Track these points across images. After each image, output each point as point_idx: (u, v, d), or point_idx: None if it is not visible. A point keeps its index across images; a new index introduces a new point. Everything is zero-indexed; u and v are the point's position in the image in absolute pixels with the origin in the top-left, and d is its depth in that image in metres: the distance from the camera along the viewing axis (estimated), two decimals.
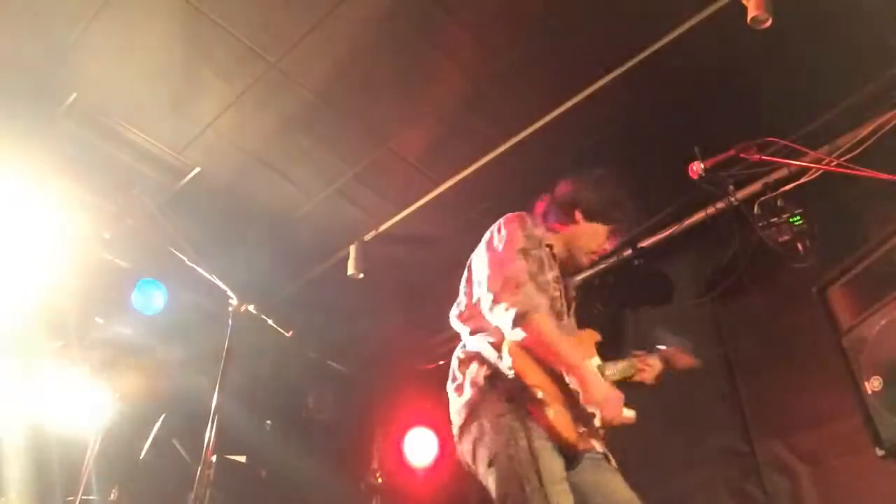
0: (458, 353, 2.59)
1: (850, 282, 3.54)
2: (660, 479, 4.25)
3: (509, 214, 2.68)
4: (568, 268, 2.82)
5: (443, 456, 5.49)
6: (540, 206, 2.88)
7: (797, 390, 3.99)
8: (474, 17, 3.62)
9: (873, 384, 3.20)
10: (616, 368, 2.78)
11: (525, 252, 2.53)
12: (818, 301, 3.63)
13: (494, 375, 2.36)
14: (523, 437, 2.20)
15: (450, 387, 2.54)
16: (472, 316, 2.58)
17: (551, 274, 2.63)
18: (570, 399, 2.36)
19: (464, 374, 2.47)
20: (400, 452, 5.52)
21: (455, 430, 2.46)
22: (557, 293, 2.63)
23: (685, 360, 3.16)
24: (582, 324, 2.86)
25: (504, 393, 2.31)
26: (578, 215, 2.79)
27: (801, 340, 3.98)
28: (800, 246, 3.72)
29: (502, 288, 2.41)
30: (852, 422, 3.38)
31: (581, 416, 2.34)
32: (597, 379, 2.40)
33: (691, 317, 4.53)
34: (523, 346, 2.34)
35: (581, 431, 2.30)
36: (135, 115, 4.13)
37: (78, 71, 3.83)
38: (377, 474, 5.09)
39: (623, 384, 2.71)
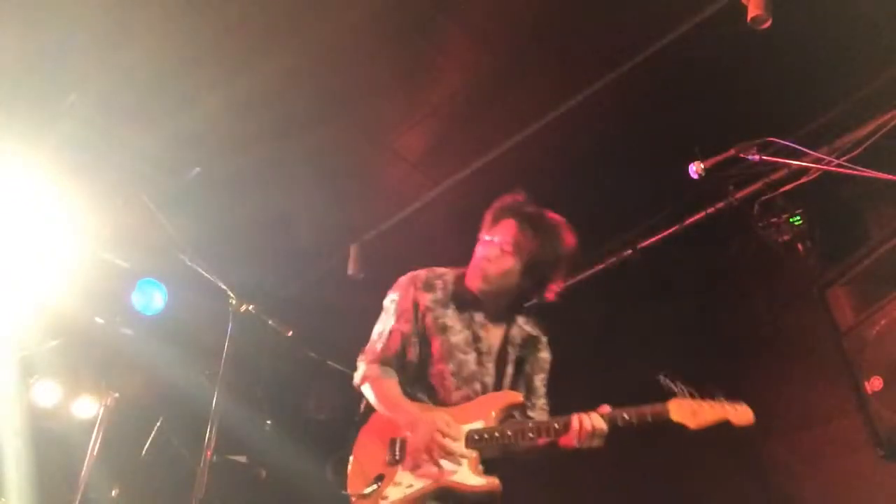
0: None
1: (850, 282, 3.54)
2: (660, 480, 4.26)
3: (399, 280, 2.73)
4: (499, 312, 2.64)
5: None
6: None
7: (797, 390, 4.00)
8: (474, 17, 3.62)
9: (873, 384, 3.21)
10: (491, 436, 2.41)
11: (384, 332, 2.64)
12: (818, 301, 3.63)
13: None
14: None
15: None
16: None
17: (457, 337, 2.57)
18: (380, 461, 2.45)
19: None
20: None
21: None
22: (468, 357, 2.55)
23: (716, 413, 2.55)
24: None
25: None
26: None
27: (801, 340, 3.99)
28: (800, 246, 3.73)
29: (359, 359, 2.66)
30: (852, 422, 3.39)
31: (382, 476, 2.41)
32: (404, 406, 2.47)
33: (691, 317, 4.53)
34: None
35: (373, 487, 2.38)
36: (135, 115, 4.12)
37: (78, 71, 3.83)
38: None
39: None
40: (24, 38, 3.66)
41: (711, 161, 2.75)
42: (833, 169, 2.78)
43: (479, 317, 2.60)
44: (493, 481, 2.36)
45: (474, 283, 2.59)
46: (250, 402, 5.22)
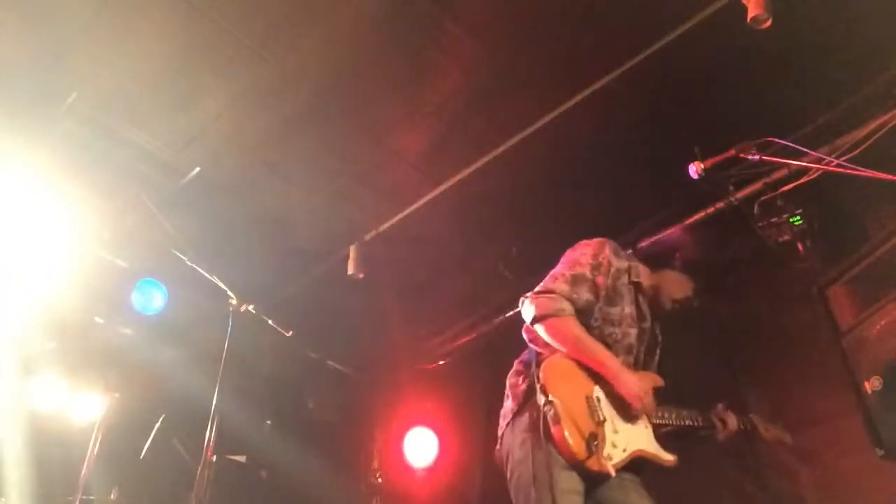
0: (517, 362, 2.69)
1: (850, 282, 3.54)
2: (660, 479, 4.25)
3: (591, 240, 2.74)
4: (653, 310, 2.81)
5: (443, 456, 5.48)
6: (643, 241, 3.01)
7: (797, 390, 3.99)
8: (474, 16, 3.62)
9: (873, 384, 3.20)
10: (669, 415, 2.67)
11: (578, 277, 2.58)
12: (818, 301, 3.63)
13: (529, 390, 2.43)
14: (540, 454, 2.26)
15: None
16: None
17: (628, 308, 2.64)
18: (588, 419, 2.38)
19: (512, 384, 2.59)
20: (400, 452, 5.51)
21: (499, 433, 2.60)
22: (632, 330, 2.64)
23: (774, 435, 3.18)
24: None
25: (531, 409, 2.39)
26: (678, 261, 2.86)
27: (801, 340, 3.98)
28: (800, 246, 3.73)
29: (537, 292, 2.54)
30: (852, 422, 3.38)
31: (596, 436, 2.34)
32: (628, 372, 2.47)
33: (691, 317, 4.52)
34: (555, 348, 2.45)
35: (594, 448, 2.29)
36: (135, 115, 4.13)
37: (78, 71, 3.83)
38: (377, 474, 5.09)
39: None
40: (24, 38, 3.66)
41: (711, 161, 2.75)
42: (833, 169, 2.78)
43: (642, 300, 2.74)
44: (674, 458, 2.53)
45: (668, 308, 2.81)
46: (250, 402, 5.21)
